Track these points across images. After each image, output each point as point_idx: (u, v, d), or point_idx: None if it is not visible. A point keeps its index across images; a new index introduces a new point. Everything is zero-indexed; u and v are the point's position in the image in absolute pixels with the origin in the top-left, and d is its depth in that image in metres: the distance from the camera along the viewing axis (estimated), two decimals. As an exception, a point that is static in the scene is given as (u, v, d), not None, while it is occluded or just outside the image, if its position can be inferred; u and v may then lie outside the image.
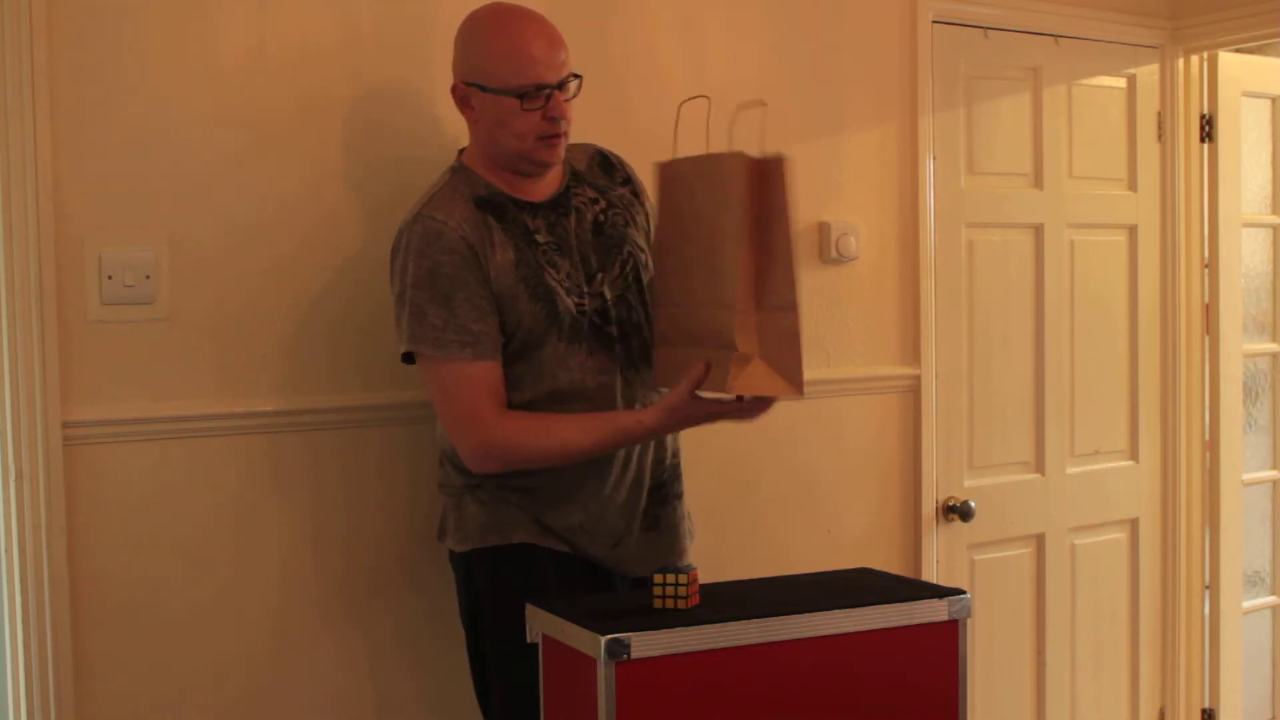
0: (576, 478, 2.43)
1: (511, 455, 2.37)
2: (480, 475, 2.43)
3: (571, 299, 2.40)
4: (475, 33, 2.41)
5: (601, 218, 2.50)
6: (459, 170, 2.45)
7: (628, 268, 2.49)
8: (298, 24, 2.57)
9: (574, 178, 2.52)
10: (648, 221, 2.59)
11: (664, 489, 2.55)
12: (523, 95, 2.35)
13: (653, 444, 2.52)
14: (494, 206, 2.41)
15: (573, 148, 2.53)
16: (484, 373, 2.34)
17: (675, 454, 2.58)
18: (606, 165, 2.59)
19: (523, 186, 2.45)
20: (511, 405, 2.39)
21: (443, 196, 2.39)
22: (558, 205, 2.47)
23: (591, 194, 2.52)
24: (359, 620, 2.66)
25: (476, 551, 2.45)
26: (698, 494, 2.74)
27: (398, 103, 2.65)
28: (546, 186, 2.48)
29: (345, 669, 2.65)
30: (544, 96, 2.36)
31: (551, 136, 2.39)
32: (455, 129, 2.57)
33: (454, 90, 2.43)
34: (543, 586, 2.39)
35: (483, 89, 2.38)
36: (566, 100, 2.40)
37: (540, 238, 2.42)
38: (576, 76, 2.41)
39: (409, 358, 2.38)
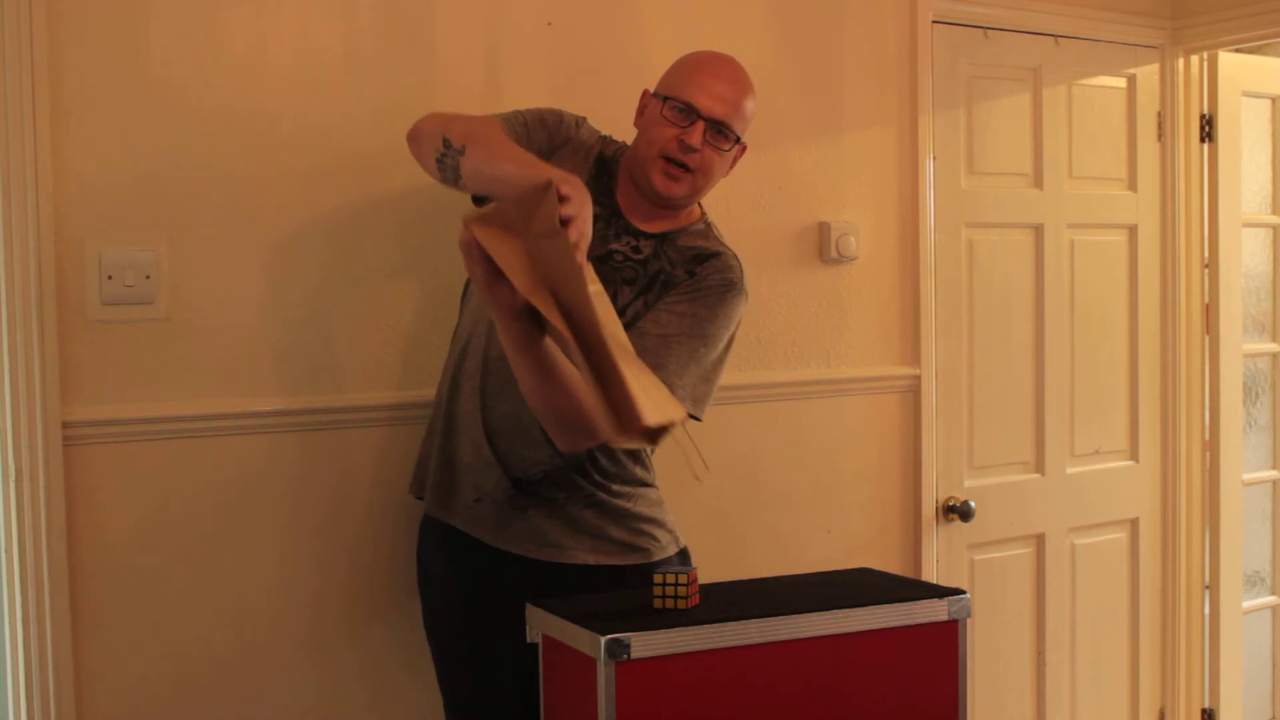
0: (448, 405, 2.41)
1: (433, 119, 2.24)
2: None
3: None
4: (682, 56, 2.41)
5: (615, 262, 2.34)
6: (613, 141, 2.47)
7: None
8: (298, 24, 2.57)
9: (664, 241, 2.37)
10: (649, 309, 2.31)
11: (533, 487, 2.36)
12: (669, 101, 2.30)
13: (514, 441, 2.33)
14: (604, 168, 2.40)
15: (712, 239, 2.40)
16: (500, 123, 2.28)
17: (557, 463, 2.33)
18: (698, 259, 2.36)
19: (629, 198, 2.38)
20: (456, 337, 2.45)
21: (592, 127, 2.47)
22: (628, 235, 2.36)
23: (642, 258, 2.35)
24: (361, 618, 2.66)
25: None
26: (698, 493, 2.74)
27: (398, 102, 2.64)
28: (645, 219, 2.38)
29: (348, 667, 2.65)
30: (688, 118, 2.29)
31: (675, 164, 2.30)
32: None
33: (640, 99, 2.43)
34: (434, 570, 2.51)
35: (653, 95, 2.37)
36: (712, 147, 2.30)
37: (597, 209, 2.21)
38: (738, 140, 2.34)
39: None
